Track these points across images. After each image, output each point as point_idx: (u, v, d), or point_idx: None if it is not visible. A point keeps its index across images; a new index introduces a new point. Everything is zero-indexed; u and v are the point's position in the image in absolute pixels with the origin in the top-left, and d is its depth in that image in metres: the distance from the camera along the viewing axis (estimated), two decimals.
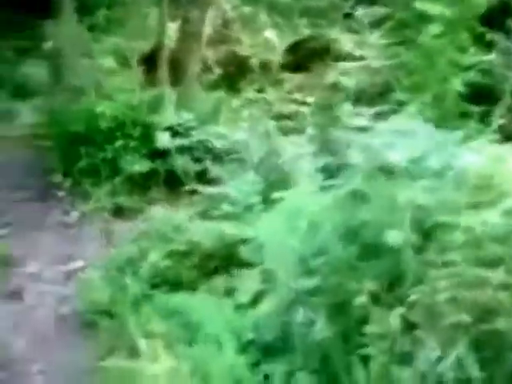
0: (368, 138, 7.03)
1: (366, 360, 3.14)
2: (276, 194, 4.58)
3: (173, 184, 8.15)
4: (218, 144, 8.14)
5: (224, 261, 5.61)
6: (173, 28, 9.37)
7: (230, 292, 4.78)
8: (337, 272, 3.40)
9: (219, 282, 5.15)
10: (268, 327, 3.71)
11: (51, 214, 7.89)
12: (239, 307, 4.35)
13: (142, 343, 4.30)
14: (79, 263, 6.74)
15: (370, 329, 3.11)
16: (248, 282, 4.61)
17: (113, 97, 8.33)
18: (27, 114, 11.71)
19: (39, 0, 15.79)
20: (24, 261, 6.76)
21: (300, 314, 3.43)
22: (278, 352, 3.57)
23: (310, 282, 3.51)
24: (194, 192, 7.46)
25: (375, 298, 3.19)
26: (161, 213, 7.09)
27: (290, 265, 3.66)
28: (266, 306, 3.82)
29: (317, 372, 3.40)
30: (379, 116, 7.65)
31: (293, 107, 10.39)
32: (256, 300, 4.23)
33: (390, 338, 3.00)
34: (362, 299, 3.18)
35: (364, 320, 3.19)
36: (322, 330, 3.26)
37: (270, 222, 4.50)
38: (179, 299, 4.97)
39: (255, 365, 3.65)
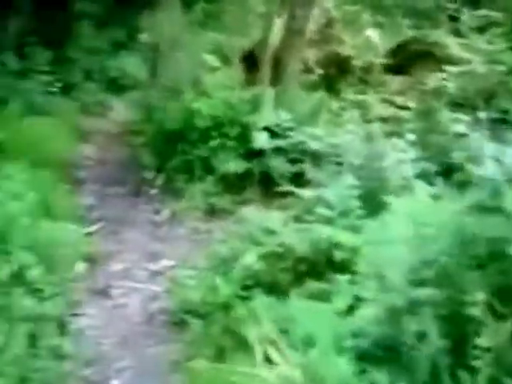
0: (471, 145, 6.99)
1: (474, 372, 3.10)
2: (384, 200, 4.55)
3: (267, 185, 8.24)
4: (315, 146, 8.16)
5: (318, 265, 5.64)
6: (276, 25, 9.41)
7: (325, 297, 4.78)
8: (450, 283, 3.36)
9: (313, 286, 5.16)
10: (371, 335, 3.70)
11: (142, 211, 8.12)
12: (336, 313, 4.35)
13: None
14: (169, 262, 6.91)
15: (481, 341, 3.07)
16: (346, 288, 4.61)
17: (211, 94, 8.45)
18: (121, 109, 12.04)
19: None
20: (113, 258, 6.99)
21: (411, 325, 3.40)
22: (382, 361, 3.55)
23: (422, 292, 3.48)
24: (288, 194, 7.55)
25: (488, 310, 3.15)
26: (254, 214, 7.16)
27: (400, 273, 3.63)
28: (368, 314, 3.81)
29: None
30: (482, 123, 7.62)
31: (393, 111, 10.31)
32: (355, 306, 4.23)
33: (501, 350, 2.95)
34: (475, 311, 3.14)
35: (476, 332, 3.15)
36: (433, 341, 3.22)
37: (378, 229, 4.47)
38: (273, 302, 4.98)
39: (360, 373, 3.64)
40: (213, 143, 8.26)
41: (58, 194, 7.81)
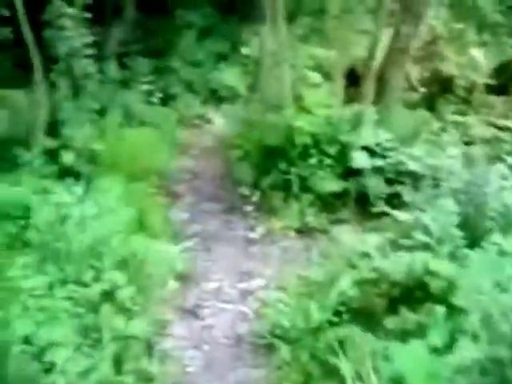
0: None
1: None
2: (487, 230, 4.44)
3: (363, 205, 8.21)
4: (413, 167, 8.06)
5: (413, 293, 5.55)
6: (381, 42, 9.35)
7: (420, 330, 4.70)
8: None
9: (408, 316, 5.07)
10: (472, 378, 3.57)
11: (236, 228, 8.21)
12: (432, 349, 4.26)
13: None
14: (260, 281, 6.97)
15: None
16: (442, 322, 4.51)
17: (312, 111, 8.48)
18: (219, 121, 12.22)
19: (244, 4, 16.77)
20: (205, 276, 7.16)
21: None
22: None
23: None
24: (384, 215, 7.51)
25: None
26: (349, 235, 7.12)
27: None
28: (467, 357, 3.69)
29: None
30: None
31: (494, 132, 10.07)
32: (452, 344, 4.13)
33: None
34: None
35: None
36: None
37: (484, 264, 4.36)
38: (365, 331, 4.94)
39: None
40: (311, 161, 8.29)
41: (154, 208, 7.96)
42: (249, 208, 8.64)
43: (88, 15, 8.95)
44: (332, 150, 8.30)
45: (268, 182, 8.70)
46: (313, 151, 8.34)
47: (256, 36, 14.76)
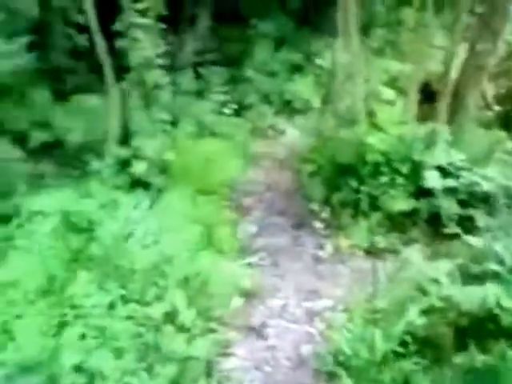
0: None
1: None
2: None
3: (434, 226, 7.94)
4: (487, 188, 7.77)
5: (483, 326, 5.32)
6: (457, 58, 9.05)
7: (490, 374, 4.47)
8: None
9: (477, 355, 4.85)
10: None
11: (305, 245, 8.07)
12: None
13: None
14: (327, 302, 6.83)
15: None
16: None
17: (384, 128, 8.27)
18: (292, 133, 12.09)
19: (318, 15, 16.62)
20: (271, 292, 7.05)
21: None
22: None
23: None
24: (455, 237, 7.21)
25: None
26: (418, 258, 6.89)
27: None
28: None
29: None
30: None
31: None
32: None
33: None
34: None
35: None
36: None
37: None
38: (431, 367, 4.74)
39: None
40: (382, 179, 8.08)
41: (222, 222, 7.90)
42: (318, 224, 8.48)
43: (162, 25, 8.87)
44: (404, 169, 8.08)
45: (338, 198, 8.53)
46: (384, 169, 8.13)
47: (329, 47, 14.64)
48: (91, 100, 11.07)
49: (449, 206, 7.87)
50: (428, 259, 6.87)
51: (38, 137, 9.61)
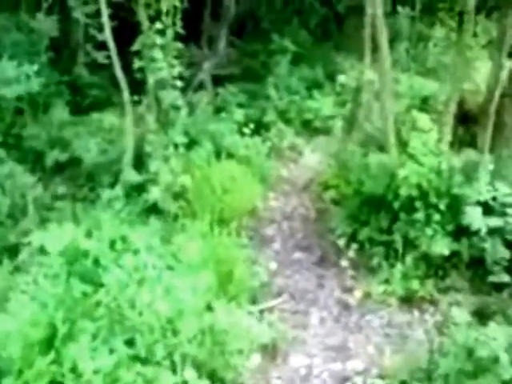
0: None
1: None
2: None
3: (478, 272, 6.68)
4: None
5: None
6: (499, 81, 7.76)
7: None
8: None
9: None
10: None
11: (330, 288, 6.84)
12: None
13: None
14: (357, 364, 5.61)
15: None
16: None
17: (417, 157, 6.97)
18: (313, 155, 10.84)
19: (340, 31, 15.41)
20: (292, 349, 5.85)
21: None
22: None
23: None
24: (504, 286, 6.30)
25: None
26: (465, 319, 5.60)
27: None
28: None
29: None
30: None
31: None
32: None
33: None
34: None
35: None
36: None
37: None
38: None
39: None
40: (417, 216, 6.79)
41: (240, 258, 6.64)
42: (344, 263, 7.23)
43: (179, 44, 7.69)
44: (441, 205, 6.78)
45: (366, 234, 7.27)
46: (419, 204, 6.84)
47: (351, 64, 13.37)
48: (110, 118, 10.00)
49: (494, 249, 6.58)
50: (475, 316, 5.63)
51: (53, 156, 8.80)
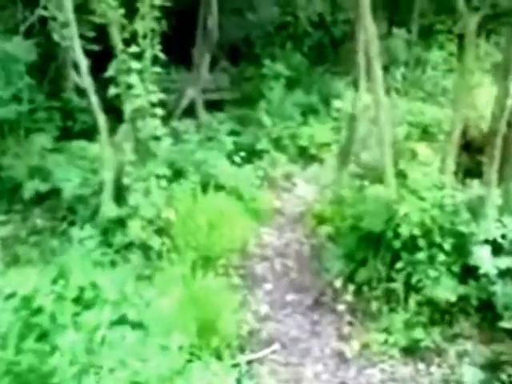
0: None
1: None
2: None
3: (488, 317, 5.95)
4: None
5: None
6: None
7: None
8: None
9: None
10: None
11: (325, 335, 6.12)
12: None
13: None
14: None
15: None
16: None
17: (417, 192, 6.27)
18: (307, 185, 10.13)
19: (335, 54, 14.78)
20: None
21: None
22: None
23: None
24: None
25: None
26: (473, 370, 4.88)
27: None
28: None
29: None
30: None
31: None
32: None
33: None
34: None
35: None
36: None
37: None
38: None
39: None
40: (420, 256, 6.07)
41: (224, 305, 5.92)
42: (340, 307, 6.49)
43: (158, 69, 7.01)
44: (446, 244, 6.08)
45: (364, 275, 6.56)
46: (422, 244, 6.14)
47: (348, 89, 12.70)
48: (94, 146, 9.31)
49: (505, 292, 5.87)
50: (486, 369, 4.92)
51: (33, 186, 8.30)
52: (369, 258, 6.61)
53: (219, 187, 8.65)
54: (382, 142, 7.11)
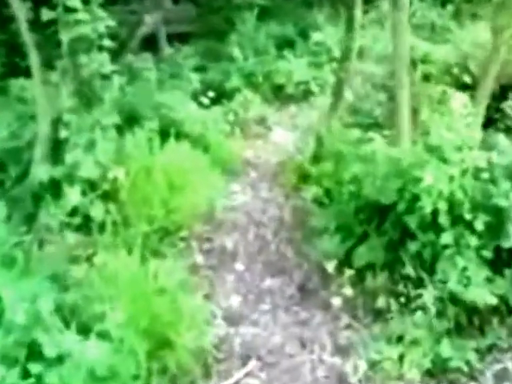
0: None
1: None
2: None
3: None
4: None
5: None
6: None
7: None
8: None
9: None
10: None
11: (317, 344, 4.27)
12: None
13: None
14: None
15: None
16: None
17: (444, 153, 4.39)
18: (284, 130, 8.20)
19: None
20: None
21: None
22: None
23: None
24: None
25: None
26: None
27: None
28: None
29: None
30: None
31: None
32: None
33: None
34: None
35: None
36: None
37: None
38: None
39: None
40: (444, 239, 4.23)
41: (186, 298, 4.10)
42: (336, 301, 4.69)
43: None
44: (478, 223, 4.25)
45: (367, 257, 4.73)
46: (445, 221, 4.30)
47: (331, 20, 10.63)
48: (26, 83, 7.18)
49: None
50: None
51: None
52: (370, 233, 4.79)
53: (183, 135, 6.72)
54: (398, 82, 5.10)
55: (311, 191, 6.01)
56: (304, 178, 6.48)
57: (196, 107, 7.50)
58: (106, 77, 5.49)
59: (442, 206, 4.27)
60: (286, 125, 8.39)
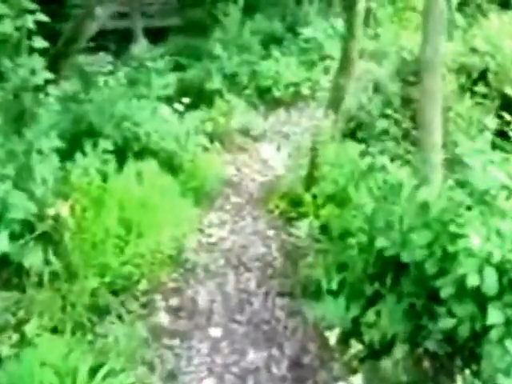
0: None
1: None
2: None
3: None
4: None
5: None
6: None
7: None
8: None
9: None
10: None
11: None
12: None
13: None
14: None
15: None
16: None
17: (492, 200, 3.07)
18: (273, 145, 6.86)
19: None
20: None
21: None
22: None
23: None
24: None
25: None
26: None
27: None
28: None
29: None
30: None
31: None
32: None
33: None
34: None
35: None
36: None
37: None
38: None
39: None
40: (490, 315, 2.90)
41: None
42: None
43: None
44: None
45: (380, 328, 3.38)
46: (492, 290, 2.95)
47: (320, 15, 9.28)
48: None
49: None
50: None
51: None
52: (385, 294, 3.47)
53: (148, 154, 5.36)
54: (427, 94, 3.71)
55: (305, 223, 4.67)
56: (296, 203, 5.15)
57: (167, 116, 6.11)
58: (39, 88, 4.12)
59: (490, 273, 2.94)
60: (273, 135, 7.02)
